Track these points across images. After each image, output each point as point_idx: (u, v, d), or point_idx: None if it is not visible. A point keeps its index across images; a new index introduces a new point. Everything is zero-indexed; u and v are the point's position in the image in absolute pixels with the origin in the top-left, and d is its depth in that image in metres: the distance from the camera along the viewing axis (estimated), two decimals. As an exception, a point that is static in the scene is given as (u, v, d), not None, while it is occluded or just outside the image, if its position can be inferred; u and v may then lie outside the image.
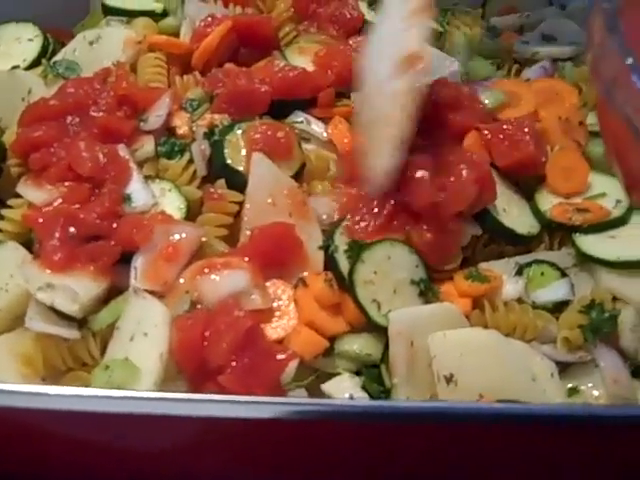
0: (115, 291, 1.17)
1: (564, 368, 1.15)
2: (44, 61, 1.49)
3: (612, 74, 0.77)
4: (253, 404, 0.95)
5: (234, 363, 1.05)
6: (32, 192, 1.24)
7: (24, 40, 1.53)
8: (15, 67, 1.46)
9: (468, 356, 1.09)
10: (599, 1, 0.78)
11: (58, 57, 1.49)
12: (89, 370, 1.12)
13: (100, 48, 1.47)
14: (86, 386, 1.09)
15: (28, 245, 1.22)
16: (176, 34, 1.51)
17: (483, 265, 1.23)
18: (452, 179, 1.20)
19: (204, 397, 0.97)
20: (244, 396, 0.98)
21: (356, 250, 1.16)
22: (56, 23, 1.61)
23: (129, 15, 1.55)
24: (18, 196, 1.26)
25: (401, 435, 0.95)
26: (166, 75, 1.43)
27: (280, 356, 1.06)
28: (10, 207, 1.26)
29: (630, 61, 0.71)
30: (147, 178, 1.26)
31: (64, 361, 1.12)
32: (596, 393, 1.13)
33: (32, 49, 1.51)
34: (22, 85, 1.39)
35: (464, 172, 1.21)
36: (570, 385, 1.14)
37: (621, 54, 0.73)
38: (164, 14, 1.55)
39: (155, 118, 1.31)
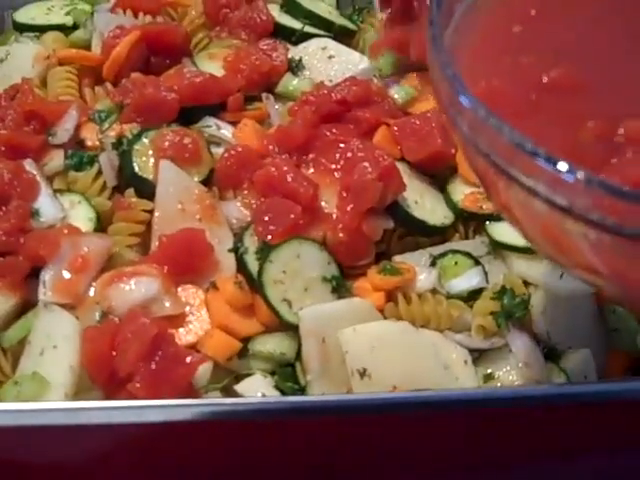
0: (29, 306, 1.16)
1: (480, 355, 1.15)
2: (-45, 81, 1.48)
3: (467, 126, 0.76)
4: (150, 408, 0.94)
5: (143, 370, 1.04)
6: (-61, 213, 1.22)
7: None
8: None
9: (379, 349, 1.09)
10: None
11: (-31, 76, 1.48)
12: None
13: (9, 65, 1.47)
14: (-2, 403, 1.08)
15: None
16: (87, 47, 1.51)
17: (397, 258, 1.23)
18: (356, 177, 1.21)
19: (88, 405, 0.96)
20: (145, 401, 0.97)
21: (265, 251, 1.16)
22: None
23: (40, 30, 1.54)
24: None
25: (305, 429, 0.95)
26: (77, 88, 1.43)
27: (189, 360, 1.06)
28: None
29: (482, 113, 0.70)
30: (57, 192, 1.25)
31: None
32: (511, 377, 1.13)
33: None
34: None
35: (367, 170, 1.21)
36: (486, 371, 1.14)
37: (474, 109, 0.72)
38: (75, 27, 1.54)
39: (63, 131, 1.31)
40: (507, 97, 0.74)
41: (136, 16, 1.53)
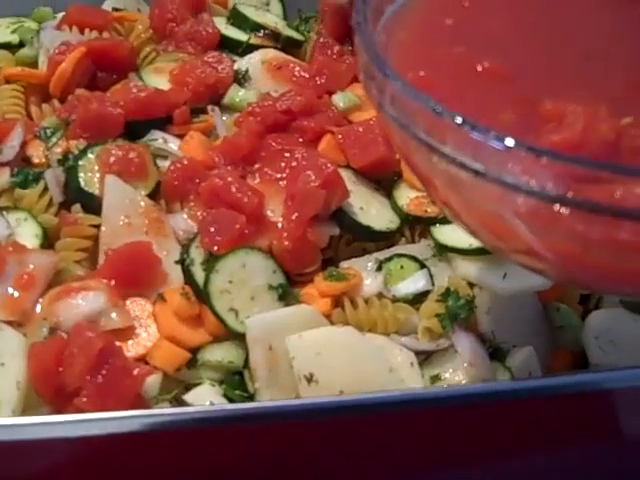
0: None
1: (427, 357, 1.17)
2: None
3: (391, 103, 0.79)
4: (93, 421, 0.95)
5: (89, 384, 1.04)
6: None
7: None
8: None
9: (325, 354, 1.11)
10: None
11: None
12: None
13: (-44, 84, 1.47)
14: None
15: None
16: (34, 64, 1.52)
17: (344, 264, 1.25)
18: (300, 185, 1.22)
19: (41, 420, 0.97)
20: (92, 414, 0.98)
21: (211, 262, 1.17)
22: None
23: (-15, 49, 1.54)
24: None
25: (250, 436, 0.96)
26: (23, 106, 1.43)
27: (136, 372, 1.06)
28: None
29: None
30: (3, 209, 1.26)
31: None
32: (457, 378, 1.15)
33: None
34: None
35: (311, 178, 1.23)
36: (433, 373, 1.16)
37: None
38: (21, 45, 1.54)
39: (8, 149, 1.31)
40: (434, 86, 0.77)
41: (82, 32, 1.54)
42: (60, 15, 1.60)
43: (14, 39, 1.55)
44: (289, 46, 1.58)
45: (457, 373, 1.16)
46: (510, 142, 0.67)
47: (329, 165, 1.23)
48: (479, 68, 0.81)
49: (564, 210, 0.68)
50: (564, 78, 0.81)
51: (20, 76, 1.47)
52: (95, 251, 1.23)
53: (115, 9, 1.64)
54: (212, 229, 1.20)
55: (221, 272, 1.16)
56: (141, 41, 1.56)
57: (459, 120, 0.69)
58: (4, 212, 1.25)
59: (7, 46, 1.54)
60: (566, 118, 0.72)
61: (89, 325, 1.10)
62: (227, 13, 1.65)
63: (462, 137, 0.70)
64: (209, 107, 1.41)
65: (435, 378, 1.16)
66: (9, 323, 1.14)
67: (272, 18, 1.62)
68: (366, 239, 1.28)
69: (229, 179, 1.23)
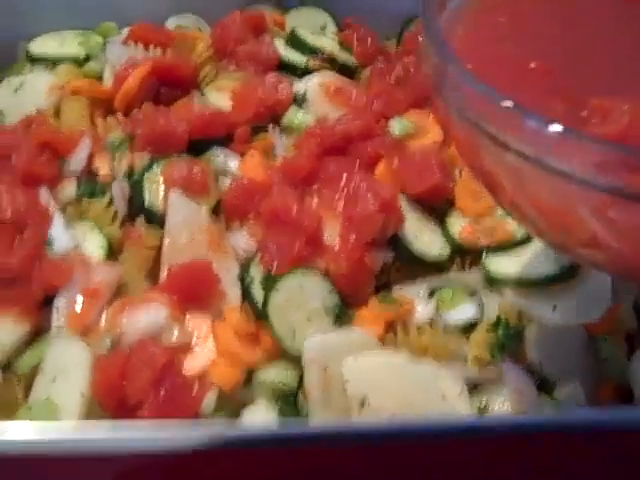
0: (40, 333, 1.20)
1: (476, 386, 1.19)
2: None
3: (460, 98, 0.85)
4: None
5: (151, 398, 1.08)
6: (-45, 239, 1.26)
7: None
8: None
9: (379, 379, 1.14)
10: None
11: (-16, 107, 1.53)
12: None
13: (24, 94, 1.51)
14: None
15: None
16: (99, 78, 1.56)
17: (396, 289, 1.28)
18: (358, 210, 1.25)
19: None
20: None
21: (270, 281, 1.20)
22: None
23: (53, 61, 1.59)
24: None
25: (301, 456, 0.99)
26: (89, 119, 1.47)
27: (196, 389, 1.10)
28: None
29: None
30: (69, 220, 1.30)
31: (-6, 406, 1.15)
32: (505, 408, 1.18)
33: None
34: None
35: (369, 202, 1.26)
36: (481, 402, 1.18)
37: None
38: (87, 59, 1.59)
39: (76, 161, 1.36)
40: (491, 78, 0.80)
41: (147, 48, 1.58)
42: (125, 30, 1.64)
43: (80, 52, 1.59)
44: (345, 70, 1.61)
45: (504, 403, 1.18)
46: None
47: (388, 190, 1.27)
48: (531, 65, 0.84)
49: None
50: (609, 76, 0.85)
51: (86, 90, 1.50)
52: (155, 265, 1.27)
53: (178, 27, 1.68)
54: (272, 249, 1.23)
55: (281, 291, 1.19)
56: (202, 59, 1.59)
57: (539, 121, 0.73)
58: (71, 223, 1.29)
59: (74, 59, 1.58)
60: (611, 113, 0.76)
61: (152, 340, 1.13)
62: (285, 35, 1.68)
63: (539, 135, 0.74)
64: (270, 127, 1.44)
65: (483, 407, 1.18)
66: (74, 334, 1.17)
67: (328, 42, 1.65)
68: (419, 266, 1.31)
69: (290, 200, 1.26)
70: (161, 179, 1.30)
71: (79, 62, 1.59)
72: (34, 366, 1.16)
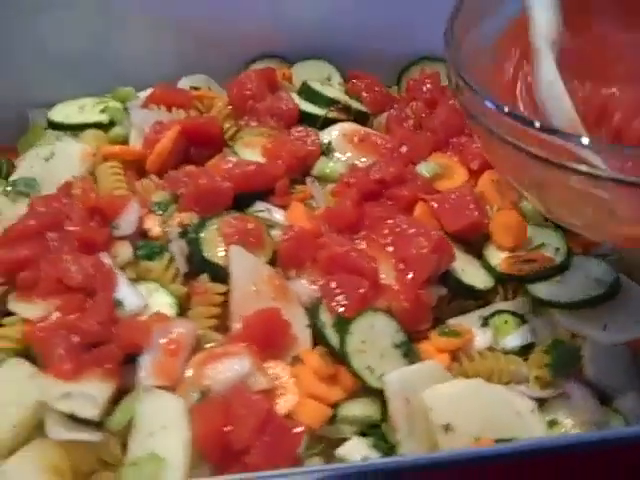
0: (118, 391, 1.23)
1: (541, 404, 1.27)
2: (1, 181, 1.55)
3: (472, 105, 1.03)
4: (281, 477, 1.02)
5: (257, 443, 1.12)
6: (25, 308, 1.28)
7: (-23, 161, 1.59)
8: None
9: (460, 404, 1.21)
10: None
11: (15, 176, 1.55)
12: (111, 470, 1.18)
13: (55, 163, 1.54)
14: (112, 486, 1.15)
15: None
16: (125, 142, 1.60)
17: (451, 321, 1.36)
18: (413, 251, 1.33)
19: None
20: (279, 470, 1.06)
21: (342, 324, 1.26)
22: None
23: (76, 129, 1.63)
24: (7, 314, 1.31)
25: None
26: (125, 182, 1.51)
27: (297, 430, 1.15)
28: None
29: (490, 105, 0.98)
30: (131, 281, 1.33)
31: (89, 465, 1.17)
32: (572, 422, 1.26)
33: (-14, 171, 1.57)
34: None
35: (423, 243, 1.34)
36: (549, 418, 1.26)
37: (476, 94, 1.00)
38: (110, 124, 1.63)
39: (128, 224, 1.39)
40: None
41: (169, 110, 1.63)
42: (142, 94, 1.69)
43: (104, 119, 1.63)
44: (359, 118, 1.69)
45: (571, 418, 1.27)
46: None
47: (437, 232, 1.35)
48: None
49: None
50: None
51: (117, 154, 1.55)
52: (222, 317, 1.32)
53: (193, 88, 1.74)
54: (338, 294, 1.30)
55: (355, 333, 1.25)
56: (221, 117, 1.66)
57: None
58: (134, 284, 1.33)
59: (98, 125, 1.62)
60: None
61: (247, 387, 1.18)
62: (292, 87, 1.76)
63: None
64: (308, 179, 1.51)
65: (552, 423, 1.26)
66: (161, 389, 1.21)
67: (337, 92, 1.74)
68: (467, 297, 1.39)
69: (347, 246, 1.34)
70: (217, 236, 1.35)
71: (103, 127, 1.62)
72: (126, 423, 1.19)
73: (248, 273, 1.32)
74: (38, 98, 1.77)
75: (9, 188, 1.51)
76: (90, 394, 1.17)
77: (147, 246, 1.37)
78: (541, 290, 1.37)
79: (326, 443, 1.22)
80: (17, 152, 1.73)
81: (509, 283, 1.42)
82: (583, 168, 0.93)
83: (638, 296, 1.34)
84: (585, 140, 0.93)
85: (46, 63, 1.77)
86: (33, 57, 1.77)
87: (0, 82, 1.74)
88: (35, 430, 1.21)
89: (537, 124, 0.95)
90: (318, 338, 1.28)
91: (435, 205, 1.44)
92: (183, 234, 1.38)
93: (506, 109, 0.97)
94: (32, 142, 1.72)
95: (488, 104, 0.99)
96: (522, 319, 1.36)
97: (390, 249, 1.38)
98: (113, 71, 1.78)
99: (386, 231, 1.40)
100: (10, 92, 1.76)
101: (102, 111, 1.65)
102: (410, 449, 1.21)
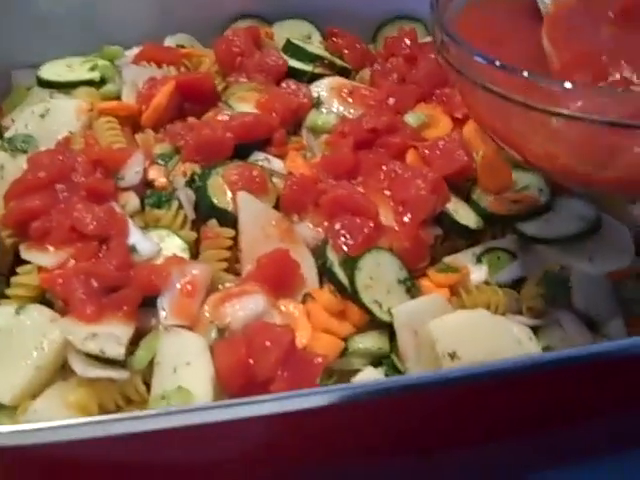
0: (142, 332, 1.28)
1: (535, 332, 1.36)
2: (-5, 138, 1.58)
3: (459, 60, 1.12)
4: (318, 394, 1.08)
5: (281, 373, 1.19)
6: (40, 257, 1.32)
7: (-35, 124, 1.60)
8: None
9: (464, 334, 1.28)
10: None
11: (10, 133, 1.57)
12: (136, 407, 1.23)
13: (52, 119, 1.57)
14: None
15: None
16: (117, 98, 1.63)
17: (447, 259, 1.43)
18: (412, 193, 1.40)
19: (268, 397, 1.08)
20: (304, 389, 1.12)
21: (350, 262, 1.33)
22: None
23: (68, 86, 1.65)
24: (21, 264, 1.34)
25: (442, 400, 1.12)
26: (123, 135, 1.55)
27: (317, 360, 1.21)
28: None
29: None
30: (141, 229, 1.38)
31: (115, 402, 1.22)
32: (564, 347, 1.35)
33: (-23, 131, 1.59)
34: (-9, 163, 1.47)
35: (420, 185, 1.41)
36: (543, 345, 1.35)
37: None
38: (101, 82, 1.66)
39: (134, 175, 1.43)
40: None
41: (159, 67, 1.67)
42: (129, 53, 1.72)
43: (95, 76, 1.66)
44: (342, 73, 1.75)
45: (564, 343, 1.35)
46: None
47: (433, 173, 1.42)
48: None
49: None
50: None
51: (113, 109, 1.58)
52: (230, 260, 1.37)
53: (179, 46, 1.77)
54: (343, 234, 1.36)
55: (363, 270, 1.32)
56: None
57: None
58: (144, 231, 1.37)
59: (89, 83, 1.65)
60: None
61: (268, 323, 1.24)
62: (274, 45, 1.81)
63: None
64: (303, 130, 1.57)
65: (546, 349, 1.35)
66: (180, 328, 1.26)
67: (320, 49, 1.80)
68: (461, 237, 1.47)
69: (351, 190, 1.40)
70: (224, 183, 1.40)
71: (94, 85, 1.65)
72: (149, 361, 1.24)
73: (256, 218, 1.37)
74: (20, 59, 1.79)
75: (6, 144, 1.53)
76: (115, 334, 1.22)
77: (155, 195, 1.41)
78: (529, 228, 1.45)
79: (338, 375, 1.29)
80: (1, 112, 1.75)
81: (497, 223, 1.50)
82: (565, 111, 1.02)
83: (617, 231, 1.44)
84: (568, 84, 1.02)
85: (28, 24, 1.78)
86: (15, 18, 1.78)
87: (-19, 44, 1.74)
88: (58, 372, 1.25)
89: (525, 73, 1.03)
90: (325, 277, 1.34)
91: (426, 151, 1.51)
92: (190, 183, 1.42)
93: (497, 62, 1.05)
94: (17, 102, 1.74)
95: (477, 58, 1.08)
96: (513, 255, 1.44)
97: (387, 193, 1.45)
98: (95, 32, 1.81)
99: (382, 176, 1.47)
100: (-8, 54, 1.77)
101: (91, 69, 1.67)
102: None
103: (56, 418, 1.17)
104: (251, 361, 1.20)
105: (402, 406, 1.09)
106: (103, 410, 1.22)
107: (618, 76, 1.11)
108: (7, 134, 1.58)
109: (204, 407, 1.08)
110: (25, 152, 1.52)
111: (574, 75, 1.09)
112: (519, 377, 1.13)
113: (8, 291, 1.32)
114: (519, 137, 1.16)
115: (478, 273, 1.41)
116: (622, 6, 1.16)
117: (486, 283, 1.41)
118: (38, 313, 1.27)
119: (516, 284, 1.42)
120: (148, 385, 1.24)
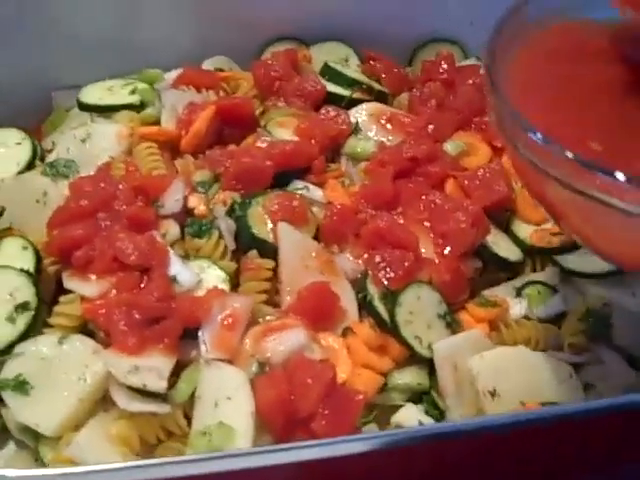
0: (181, 364, 1.28)
1: (576, 369, 1.35)
2: (39, 163, 1.58)
3: (511, 131, 1.03)
4: (360, 440, 1.08)
5: (322, 410, 1.19)
6: (82, 286, 1.33)
7: (11, 144, 1.61)
8: (20, 172, 1.54)
9: (504, 371, 1.28)
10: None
11: (52, 157, 1.58)
12: (177, 440, 1.23)
13: (93, 144, 1.58)
14: (180, 455, 1.21)
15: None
16: (157, 122, 1.64)
17: (486, 292, 1.43)
18: (452, 226, 1.40)
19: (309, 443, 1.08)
20: (347, 435, 1.12)
21: (390, 297, 1.32)
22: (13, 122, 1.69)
23: (108, 110, 1.65)
24: (63, 293, 1.35)
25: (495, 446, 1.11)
26: (163, 161, 1.55)
27: (358, 397, 1.21)
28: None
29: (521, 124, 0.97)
30: (182, 258, 1.38)
31: (157, 436, 1.22)
32: (605, 385, 1.34)
33: (23, 152, 1.60)
34: (33, 188, 1.48)
35: (461, 218, 1.41)
36: (584, 382, 1.34)
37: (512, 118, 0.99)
38: (141, 105, 1.66)
39: (174, 202, 1.43)
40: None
41: (199, 91, 1.67)
42: (169, 76, 1.73)
43: (135, 100, 1.66)
44: (379, 98, 1.75)
45: (604, 381, 1.35)
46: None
47: (474, 206, 1.41)
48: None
49: None
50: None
51: (153, 134, 1.58)
52: (270, 292, 1.37)
53: (217, 69, 1.78)
54: (383, 267, 1.36)
55: (403, 305, 1.32)
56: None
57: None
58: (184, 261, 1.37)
59: (129, 107, 1.65)
60: None
61: (308, 357, 1.24)
62: (311, 69, 1.81)
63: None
64: (342, 157, 1.57)
65: (588, 386, 1.34)
66: (220, 361, 1.26)
67: (357, 73, 1.79)
68: (500, 270, 1.46)
69: (391, 221, 1.40)
70: (264, 213, 1.40)
71: (134, 109, 1.65)
72: (190, 395, 1.24)
73: (296, 249, 1.37)
74: (61, 80, 1.80)
75: (48, 169, 1.54)
76: (157, 367, 1.22)
77: (196, 224, 1.42)
78: (570, 261, 1.44)
79: (378, 410, 1.28)
80: (41, 133, 1.76)
81: (537, 255, 1.49)
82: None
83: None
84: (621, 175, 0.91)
85: (68, 45, 1.79)
86: (56, 40, 1.79)
87: (24, 64, 1.76)
88: (99, 403, 1.26)
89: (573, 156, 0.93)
90: (365, 310, 1.34)
91: (466, 182, 1.51)
92: (230, 212, 1.42)
93: (569, 154, 0.94)
94: (57, 124, 1.76)
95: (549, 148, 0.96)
96: (553, 289, 1.43)
97: (427, 224, 1.44)
98: (134, 54, 1.81)
99: (422, 207, 1.46)
100: (34, 74, 1.78)
101: (132, 92, 1.68)
102: (459, 414, 1.28)
103: (98, 452, 1.19)
104: (292, 397, 1.20)
105: (442, 451, 1.09)
106: (144, 443, 1.23)
107: None
108: (49, 158, 1.59)
109: (242, 453, 1.08)
110: (66, 177, 1.53)
111: None
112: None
113: (51, 320, 1.32)
114: (587, 229, 1.08)
115: (518, 307, 1.41)
116: None
117: (526, 317, 1.40)
118: (81, 344, 1.28)
119: (557, 319, 1.41)
120: (188, 417, 1.24)
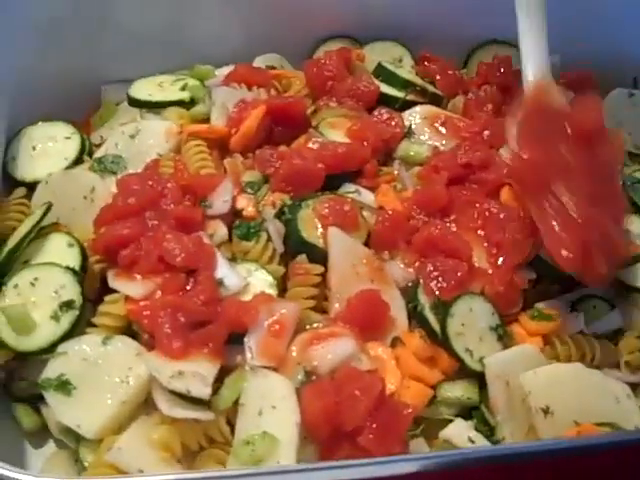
0: (225, 370, 1.25)
1: (633, 388, 1.30)
2: (87, 158, 1.56)
3: None
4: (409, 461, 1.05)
5: (370, 423, 1.15)
6: (127, 286, 1.30)
7: (60, 139, 1.60)
8: (68, 167, 1.52)
9: (558, 388, 1.24)
10: None
11: (100, 152, 1.56)
12: (219, 448, 1.21)
13: (141, 140, 1.56)
14: (221, 463, 1.18)
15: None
16: (206, 120, 1.61)
17: (540, 305, 1.38)
18: (507, 236, 1.35)
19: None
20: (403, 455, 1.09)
21: (442, 307, 1.29)
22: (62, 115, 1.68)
23: (158, 106, 1.63)
24: (107, 292, 1.33)
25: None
26: (211, 160, 1.52)
27: (407, 411, 1.18)
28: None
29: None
30: (229, 261, 1.35)
31: (199, 442, 1.20)
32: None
33: (72, 147, 1.58)
34: (81, 184, 1.46)
35: (517, 228, 1.36)
36: (641, 403, 1.30)
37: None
38: (191, 102, 1.64)
39: (222, 203, 1.41)
40: None
41: (249, 89, 1.64)
42: (220, 72, 1.70)
43: (185, 96, 1.63)
44: (433, 100, 1.70)
45: (664, 402, 1.30)
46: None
47: (530, 216, 1.37)
48: None
49: None
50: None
51: (202, 132, 1.55)
52: (317, 298, 1.34)
53: (269, 67, 1.74)
54: (435, 276, 1.32)
55: (455, 317, 1.28)
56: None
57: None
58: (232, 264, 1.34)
59: (179, 103, 1.62)
60: None
61: (357, 369, 1.21)
62: (364, 68, 1.76)
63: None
64: (395, 161, 1.53)
65: (646, 406, 1.29)
66: (266, 368, 1.23)
67: (411, 75, 1.75)
68: (555, 282, 1.42)
69: (445, 229, 1.36)
70: (314, 217, 1.37)
71: (184, 105, 1.62)
72: (234, 402, 1.21)
73: (346, 255, 1.34)
74: (110, 74, 1.78)
75: (96, 165, 1.52)
76: (201, 373, 1.19)
77: (244, 226, 1.39)
78: (628, 276, 1.39)
79: (426, 424, 1.25)
80: (90, 127, 1.74)
81: (594, 269, 1.44)
82: None
83: None
84: None
85: (118, 39, 1.77)
86: (105, 34, 1.76)
87: (74, 59, 1.74)
88: (141, 406, 1.24)
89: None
90: (418, 320, 1.30)
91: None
92: (279, 214, 1.39)
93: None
94: (106, 118, 1.74)
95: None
96: (610, 304, 1.38)
97: (481, 232, 1.40)
98: (185, 49, 1.78)
99: (475, 215, 1.42)
100: (84, 68, 1.76)
101: (182, 89, 1.65)
102: (510, 431, 1.24)
103: (139, 457, 1.16)
104: (339, 409, 1.16)
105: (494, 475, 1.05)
106: (186, 449, 1.20)
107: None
108: (97, 153, 1.57)
109: (284, 470, 1.05)
110: (114, 173, 1.51)
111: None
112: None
113: (95, 320, 1.30)
114: None
115: (573, 322, 1.36)
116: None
117: (581, 333, 1.35)
118: (124, 345, 1.26)
119: (613, 335, 1.36)
120: (231, 424, 1.22)
